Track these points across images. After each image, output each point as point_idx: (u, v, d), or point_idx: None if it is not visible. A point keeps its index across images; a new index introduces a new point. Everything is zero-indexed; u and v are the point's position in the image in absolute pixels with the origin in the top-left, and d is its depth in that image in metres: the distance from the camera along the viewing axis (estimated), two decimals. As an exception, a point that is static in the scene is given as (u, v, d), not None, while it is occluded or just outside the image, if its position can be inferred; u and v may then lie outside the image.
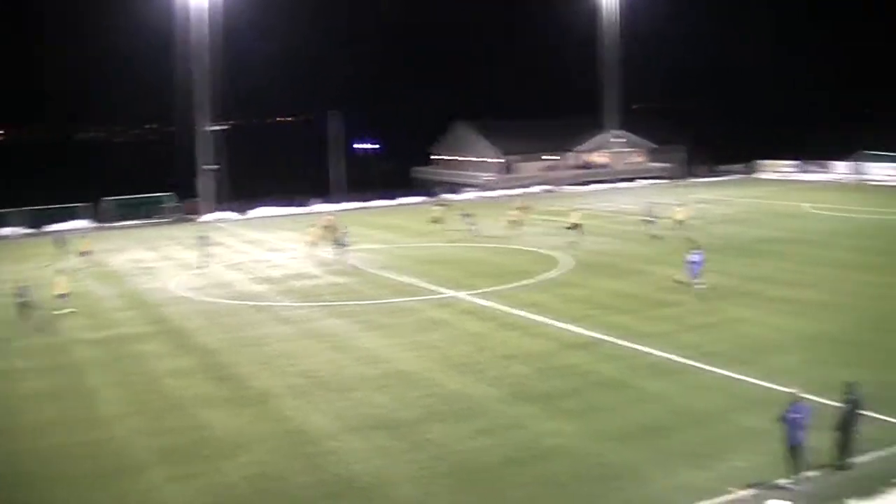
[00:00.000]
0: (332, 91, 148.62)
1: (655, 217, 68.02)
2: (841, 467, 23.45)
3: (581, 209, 70.89)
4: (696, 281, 46.92)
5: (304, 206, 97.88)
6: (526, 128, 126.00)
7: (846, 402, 23.66)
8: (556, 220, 76.49)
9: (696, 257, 47.09)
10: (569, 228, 66.98)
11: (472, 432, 27.68)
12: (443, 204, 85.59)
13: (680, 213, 69.07)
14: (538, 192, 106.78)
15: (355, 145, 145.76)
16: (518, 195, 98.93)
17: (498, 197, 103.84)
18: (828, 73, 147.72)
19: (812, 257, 55.95)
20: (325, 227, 68.35)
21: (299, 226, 78.69)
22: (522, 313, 43.27)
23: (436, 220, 75.48)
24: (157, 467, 26.22)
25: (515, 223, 72.62)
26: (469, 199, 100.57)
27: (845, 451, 23.53)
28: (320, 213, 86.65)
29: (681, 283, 48.03)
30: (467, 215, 73.24)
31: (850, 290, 45.98)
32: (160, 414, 30.84)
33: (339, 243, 61.10)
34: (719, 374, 32.64)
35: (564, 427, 27.82)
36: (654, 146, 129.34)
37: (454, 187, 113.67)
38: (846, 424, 23.45)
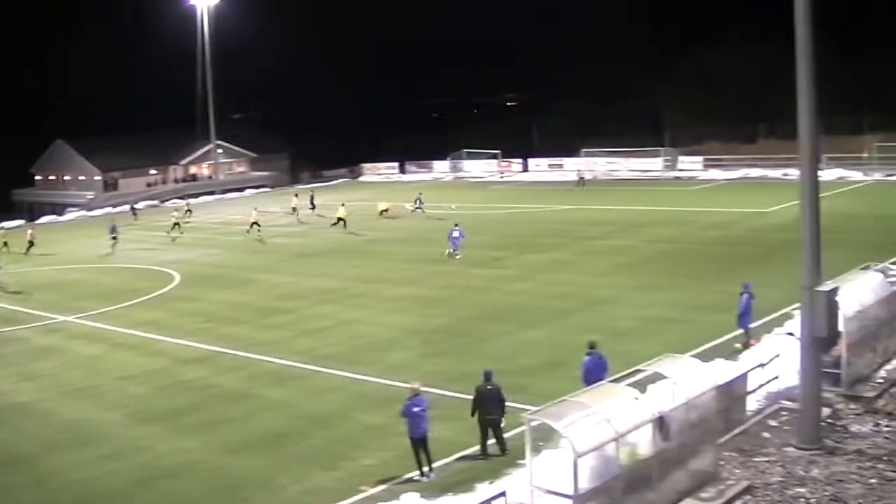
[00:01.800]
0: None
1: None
2: (501, 453, 24.28)
3: (346, 203, 74.70)
4: (456, 252, 55.17)
5: None
6: (128, 143, 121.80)
7: (484, 390, 24.60)
8: (167, 235, 75.47)
9: (456, 233, 55.73)
10: (334, 224, 70.67)
11: (96, 458, 26.73)
12: (188, 210, 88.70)
13: (293, 203, 73.96)
14: (143, 208, 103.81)
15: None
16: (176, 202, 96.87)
17: (102, 216, 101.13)
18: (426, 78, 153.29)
19: (419, 255, 57.89)
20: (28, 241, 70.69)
21: None
22: (137, 332, 42.23)
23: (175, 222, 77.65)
24: None
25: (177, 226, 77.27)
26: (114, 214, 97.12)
27: (499, 439, 24.44)
28: None
29: (445, 254, 55.50)
30: (113, 235, 71.19)
31: (456, 284, 47.95)
32: None
33: None
34: (339, 375, 33.14)
35: (189, 444, 27.38)
36: (255, 155, 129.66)
37: (57, 208, 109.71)
38: (488, 412, 24.42)
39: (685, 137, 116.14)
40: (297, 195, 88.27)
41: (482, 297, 44.37)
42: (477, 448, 24.58)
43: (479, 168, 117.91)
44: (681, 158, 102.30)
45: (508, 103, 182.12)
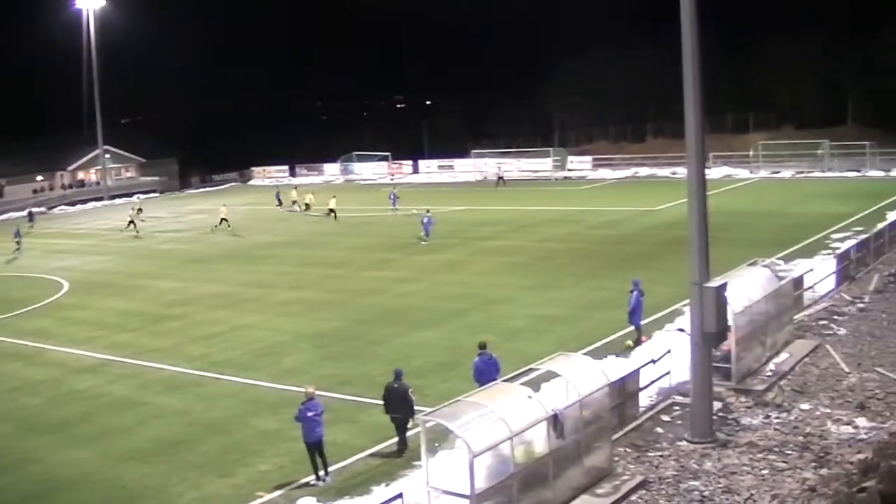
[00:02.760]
0: None
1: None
2: (400, 453, 24.30)
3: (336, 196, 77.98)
4: (425, 237, 59.41)
5: None
6: (14, 149, 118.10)
7: (391, 388, 24.57)
8: (56, 242, 74.17)
9: (426, 219, 60.22)
10: (328, 214, 74.17)
11: (-15, 472, 26.08)
12: (140, 209, 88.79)
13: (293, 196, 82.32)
14: (36, 214, 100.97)
15: None
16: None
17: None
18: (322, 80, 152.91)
19: (309, 258, 57.74)
20: None
21: None
22: (25, 342, 41.17)
23: (131, 220, 78.54)
24: None
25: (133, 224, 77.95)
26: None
27: (400, 440, 24.45)
28: None
29: (419, 238, 59.59)
30: (17, 238, 71.05)
31: (347, 287, 47.78)
32: None
33: None
34: (232, 381, 32.74)
35: (81, 454, 26.80)
36: (144, 160, 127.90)
37: None
38: (393, 410, 24.48)
39: (574, 137, 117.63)
40: (296, 188, 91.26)
41: (374, 300, 44.26)
42: (373, 449, 24.77)
43: (370, 170, 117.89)
44: (570, 158, 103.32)
45: (397, 105, 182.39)
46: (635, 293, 32.37)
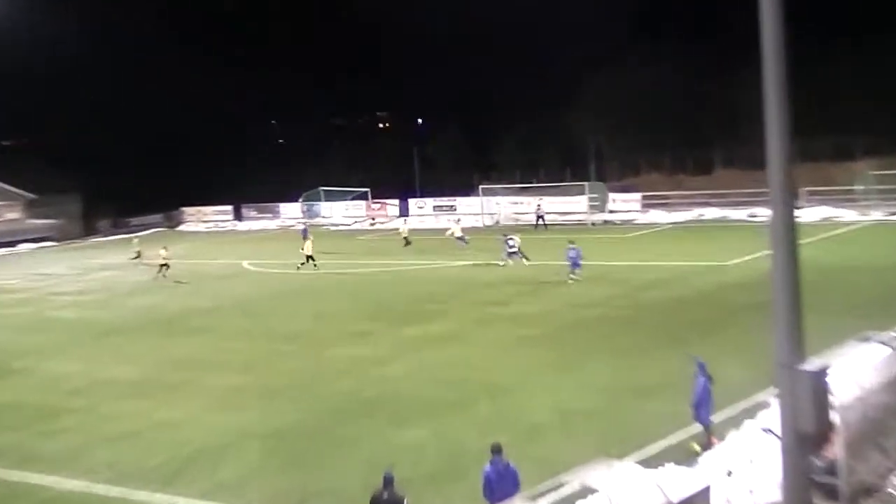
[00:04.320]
0: None
1: None
2: None
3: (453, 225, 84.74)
4: (574, 273, 64.78)
5: None
6: None
7: (381, 501, 24.23)
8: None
9: (572, 252, 65.00)
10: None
11: None
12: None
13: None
14: None
15: None
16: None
17: None
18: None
19: (255, 331, 57.39)
20: None
21: None
22: None
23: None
24: None
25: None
26: None
27: None
28: None
29: (571, 279, 64.47)
30: None
31: (308, 368, 47.46)
32: None
33: None
34: (152, 499, 32.21)
35: None
36: (35, 197, 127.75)
37: None
38: None
39: (616, 169, 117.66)
40: (404, 221, 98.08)
41: (344, 385, 43.79)
42: None
43: (342, 212, 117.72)
44: (612, 196, 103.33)
45: (380, 125, 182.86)
46: (702, 379, 31.94)
